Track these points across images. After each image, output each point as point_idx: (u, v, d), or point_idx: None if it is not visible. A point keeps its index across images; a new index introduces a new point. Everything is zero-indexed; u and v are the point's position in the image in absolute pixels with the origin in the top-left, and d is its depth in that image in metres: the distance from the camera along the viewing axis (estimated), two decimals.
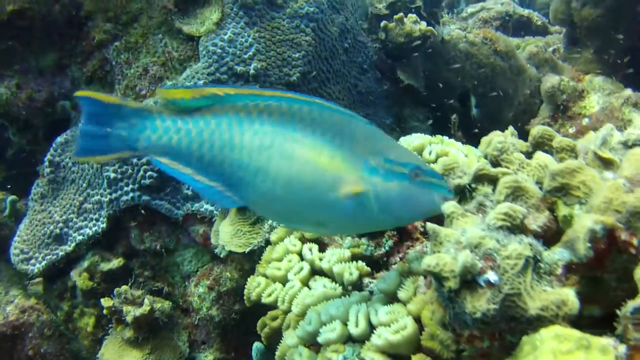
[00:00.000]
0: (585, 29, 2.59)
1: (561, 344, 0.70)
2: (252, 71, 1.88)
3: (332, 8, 2.14)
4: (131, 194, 1.85)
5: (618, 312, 0.76)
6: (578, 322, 0.79)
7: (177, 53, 1.89)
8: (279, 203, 1.04)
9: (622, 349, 0.74)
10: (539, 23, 3.71)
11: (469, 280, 0.80)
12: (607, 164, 1.04)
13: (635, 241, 0.81)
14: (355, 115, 1.07)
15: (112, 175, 1.84)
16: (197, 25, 1.88)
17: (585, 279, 0.85)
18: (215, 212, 1.86)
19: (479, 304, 0.79)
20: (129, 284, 1.85)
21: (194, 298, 1.86)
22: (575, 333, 0.71)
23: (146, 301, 1.77)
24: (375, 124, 2.20)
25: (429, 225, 0.93)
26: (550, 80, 2.25)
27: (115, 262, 1.91)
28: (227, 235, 1.46)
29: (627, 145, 1.46)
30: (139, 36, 1.92)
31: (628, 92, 2.11)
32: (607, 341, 0.73)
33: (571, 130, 2.16)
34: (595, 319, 0.85)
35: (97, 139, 1.02)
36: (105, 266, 1.90)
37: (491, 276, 0.79)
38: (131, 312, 1.75)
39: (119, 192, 1.85)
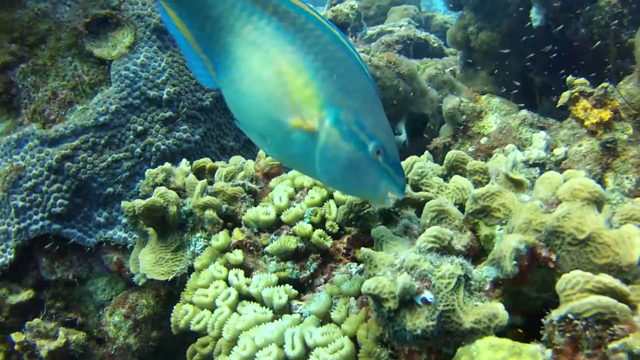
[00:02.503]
0: (481, 53, 2.75)
1: (496, 353, 0.76)
2: (165, 96, 1.87)
3: None
4: (41, 223, 1.79)
5: (543, 320, 0.83)
6: (504, 332, 0.86)
7: (87, 77, 1.85)
8: (240, 99, 1.03)
9: (549, 353, 0.81)
10: (435, 45, 3.90)
11: (407, 300, 0.85)
12: (517, 185, 1.12)
13: (553, 257, 0.89)
14: (364, 67, 1.01)
15: (20, 203, 1.77)
16: (109, 48, 1.85)
17: (508, 292, 0.92)
18: (128, 239, 1.83)
19: (418, 321, 0.84)
20: (41, 317, 1.79)
21: (109, 327, 1.82)
22: (508, 342, 0.78)
23: (61, 333, 1.71)
24: None
25: (364, 250, 0.97)
26: (451, 102, 2.35)
27: (25, 294, 1.84)
28: (149, 263, 1.44)
29: (528, 164, 1.57)
30: (47, 58, 1.86)
31: (524, 112, 2.24)
32: (535, 347, 0.80)
33: (471, 149, 2.27)
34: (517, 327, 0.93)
35: None
36: (14, 299, 1.82)
37: (427, 295, 0.84)
38: (45, 346, 1.69)
39: (28, 222, 1.79)
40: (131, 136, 1.84)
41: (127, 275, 1.82)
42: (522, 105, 2.40)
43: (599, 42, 2.45)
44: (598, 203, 0.93)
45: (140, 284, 1.59)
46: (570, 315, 0.79)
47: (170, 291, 1.65)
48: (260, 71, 0.99)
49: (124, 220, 1.83)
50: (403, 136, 2.42)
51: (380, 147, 0.97)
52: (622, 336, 0.77)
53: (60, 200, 1.78)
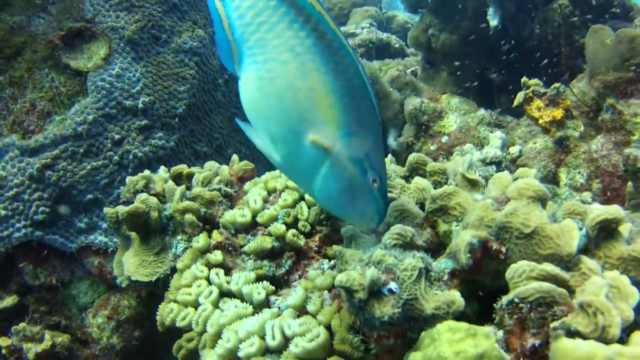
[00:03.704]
0: (441, 54, 2.85)
1: (454, 334, 0.86)
2: (140, 105, 1.95)
3: (214, 42, 2.25)
4: (23, 230, 1.85)
5: (495, 305, 0.94)
6: (462, 317, 0.97)
7: (65, 88, 1.92)
8: (263, 99, 1.06)
9: (500, 333, 0.92)
10: (396, 46, 3.96)
11: (375, 291, 0.95)
12: (473, 184, 1.23)
13: (503, 249, 1.00)
14: (375, 101, 1.06)
15: (3, 212, 1.84)
16: (85, 60, 1.93)
17: (465, 281, 1.03)
18: (109, 243, 1.91)
19: (386, 309, 0.94)
20: (26, 321, 1.86)
21: (93, 329, 1.89)
22: (464, 325, 0.88)
23: (47, 336, 1.79)
24: (253, 150, 2.32)
25: (335, 247, 1.08)
26: (412, 103, 2.46)
27: (9, 300, 1.90)
28: (132, 266, 1.52)
29: (485, 163, 1.69)
30: (24, 71, 1.92)
31: (482, 112, 2.36)
32: (488, 329, 0.91)
33: (432, 148, 2.39)
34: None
35: None
36: None
37: (393, 286, 0.95)
38: (32, 349, 1.76)
39: (11, 229, 1.85)
40: (109, 144, 1.92)
41: (108, 278, 1.90)
42: (487, 98, 2.52)
43: (552, 42, 2.56)
44: (542, 200, 1.04)
45: (123, 285, 1.66)
46: (516, 300, 0.90)
47: (151, 292, 1.73)
48: (294, 80, 1.03)
49: (104, 225, 1.91)
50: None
51: (376, 177, 1.05)
52: (561, 316, 0.88)
53: (42, 208, 1.85)
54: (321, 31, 1.02)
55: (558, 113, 2.10)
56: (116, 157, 1.92)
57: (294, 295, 1.23)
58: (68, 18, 1.96)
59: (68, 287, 1.96)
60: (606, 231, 1.02)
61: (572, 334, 0.85)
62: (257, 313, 1.26)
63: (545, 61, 2.55)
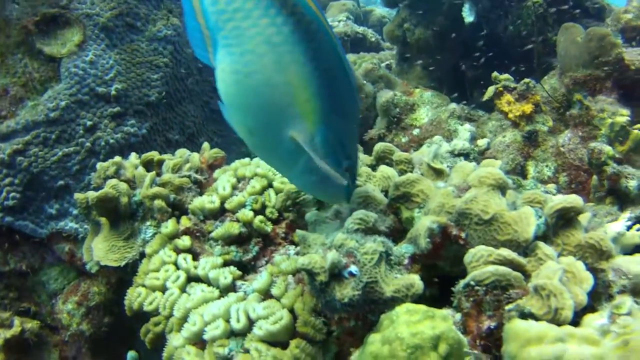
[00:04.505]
0: (416, 48, 2.88)
1: (412, 316, 0.88)
2: (113, 92, 1.95)
3: None
4: None
5: (453, 289, 0.96)
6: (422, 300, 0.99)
7: (38, 74, 1.92)
8: (240, 92, 1.04)
9: (458, 316, 0.94)
10: (372, 40, 3.97)
11: (336, 273, 0.97)
12: (438, 173, 1.25)
13: (463, 234, 1.03)
14: (354, 88, 1.08)
15: None
16: (59, 46, 1.92)
17: (425, 266, 1.05)
18: (79, 229, 1.91)
19: (346, 292, 0.96)
20: None
21: (63, 315, 1.89)
22: (423, 307, 0.90)
23: (16, 322, 1.79)
24: (225, 139, 2.32)
25: (299, 231, 1.10)
26: (385, 96, 2.48)
27: None
28: (102, 251, 1.53)
29: (454, 154, 1.71)
30: None
31: (453, 105, 2.39)
32: (446, 311, 0.93)
33: (404, 140, 2.41)
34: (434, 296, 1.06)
35: None
36: None
37: (353, 269, 0.97)
38: (1, 335, 1.76)
39: None
40: (81, 131, 1.91)
41: (78, 265, 1.90)
42: (456, 95, 2.54)
43: (524, 38, 2.60)
44: (502, 188, 1.07)
45: (93, 271, 1.66)
46: (472, 283, 0.92)
47: (121, 277, 1.73)
48: (271, 75, 1.01)
49: (75, 212, 1.91)
50: None
51: (350, 166, 1.09)
52: (515, 299, 0.91)
53: (12, 194, 1.84)
54: (299, 14, 0.99)
55: (527, 108, 2.14)
56: (88, 144, 1.91)
57: (259, 279, 1.24)
58: (43, 4, 1.95)
59: (38, 273, 1.95)
60: (565, 219, 1.05)
61: (526, 316, 0.88)
62: (223, 297, 1.27)
63: (519, 57, 2.59)
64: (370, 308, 0.98)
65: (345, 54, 1.05)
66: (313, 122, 1.02)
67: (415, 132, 2.36)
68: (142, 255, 1.51)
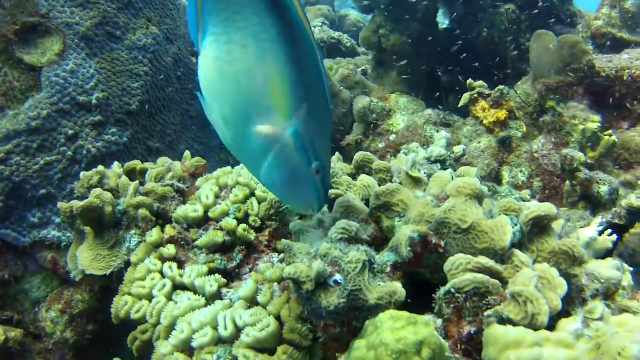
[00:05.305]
0: (391, 54, 2.92)
1: (396, 322, 0.92)
2: (94, 101, 1.97)
3: (167, 39, 2.28)
4: None
5: (434, 295, 1.01)
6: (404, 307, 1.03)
7: (18, 83, 1.92)
8: (219, 80, 1.08)
9: (439, 322, 0.99)
10: (348, 45, 4.00)
11: (322, 282, 1.01)
12: (416, 182, 1.30)
13: (442, 243, 1.07)
14: (329, 95, 1.09)
15: None
16: (39, 55, 1.93)
17: (407, 274, 1.09)
18: (62, 238, 1.92)
19: (332, 299, 1.00)
20: None
21: (46, 323, 1.90)
22: (406, 314, 0.93)
23: (0, 331, 1.79)
24: (205, 146, 2.34)
25: (284, 241, 1.13)
26: (362, 102, 2.53)
27: None
28: (87, 260, 1.55)
29: (430, 161, 1.76)
30: None
31: (429, 111, 2.45)
32: (428, 317, 0.97)
33: (381, 145, 2.46)
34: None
35: None
36: None
37: (338, 278, 1.01)
38: None
39: None
40: (62, 140, 1.93)
41: (62, 273, 1.90)
42: (435, 98, 2.59)
43: (499, 44, 2.65)
44: (479, 198, 1.11)
45: (77, 279, 1.67)
46: (453, 290, 0.97)
47: (105, 286, 1.74)
48: (252, 65, 1.04)
49: (58, 220, 1.92)
50: None
51: (320, 168, 1.09)
52: (494, 305, 0.95)
53: None
54: (287, 20, 1.03)
55: (502, 114, 2.20)
56: (70, 153, 1.93)
57: (245, 287, 1.27)
58: (22, 12, 1.96)
59: (21, 281, 1.96)
60: (539, 227, 1.10)
61: (504, 321, 0.93)
62: (210, 305, 1.30)
63: (492, 63, 2.64)
64: (355, 315, 1.02)
65: (324, 64, 1.09)
66: (285, 116, 1.05)
67: (392, 137, 2.41)
68: (128, 263, 1.53)
